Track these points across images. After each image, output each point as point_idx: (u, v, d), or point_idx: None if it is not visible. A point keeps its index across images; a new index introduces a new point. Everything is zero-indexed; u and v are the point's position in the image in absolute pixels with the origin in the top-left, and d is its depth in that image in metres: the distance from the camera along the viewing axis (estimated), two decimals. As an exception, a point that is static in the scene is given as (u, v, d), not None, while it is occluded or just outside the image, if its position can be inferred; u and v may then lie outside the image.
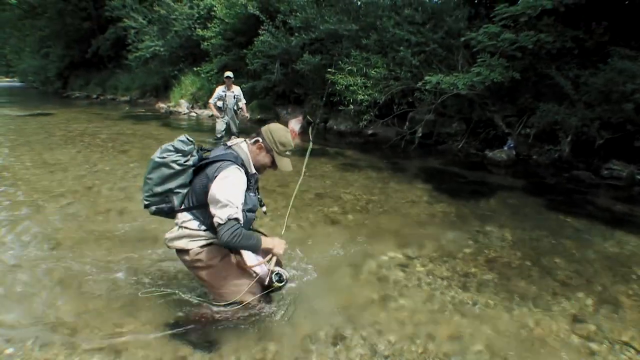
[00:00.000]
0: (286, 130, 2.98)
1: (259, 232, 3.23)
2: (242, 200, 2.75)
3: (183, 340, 2.99)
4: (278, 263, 3.09)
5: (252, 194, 2.92)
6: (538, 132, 8.73)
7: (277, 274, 2.99)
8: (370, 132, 11.72)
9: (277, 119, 14.81)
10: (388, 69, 10.03)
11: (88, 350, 2.91)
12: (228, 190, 2.67)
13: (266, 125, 3.01)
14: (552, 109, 8.02)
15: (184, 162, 2.86)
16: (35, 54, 38.64)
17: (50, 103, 23.58)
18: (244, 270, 3.00)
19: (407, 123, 10.68)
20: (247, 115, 10.32)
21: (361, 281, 3.91)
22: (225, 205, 2.64)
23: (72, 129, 12.37)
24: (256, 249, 2.89)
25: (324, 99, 12.25)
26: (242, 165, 2.83)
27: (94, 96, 28.17)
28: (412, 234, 5.01)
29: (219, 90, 9.73)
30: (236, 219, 2.66)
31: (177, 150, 2.87)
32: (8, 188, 6.45)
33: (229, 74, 9.66)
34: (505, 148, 9.05)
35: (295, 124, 12.45)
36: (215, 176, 2.71)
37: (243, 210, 2.78)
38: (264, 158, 2.94)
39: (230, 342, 2.98)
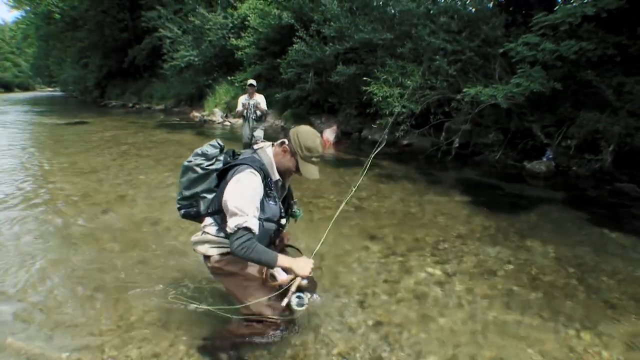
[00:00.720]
0: (315, 135, 2.75)
1: (291, 246, 3.17)
2: (256, 207, 2.61)
3: (214, 358, 2.96)
4: (308, 285, 2.86)
5: (271, 202, 2.74)
6: (579, 143, 8.45)
7: (297, 296, 2.74)
8: (405, 142, 11.56)
9: (311, 128, 14.81)
10: (424, 78, 9.90)
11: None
12: (237, 197, 2.54)
13: (295, 127, 2.83)
14: (594, 117, 7.75)
15: (207, 165, 2.84)
16: (75, 65, 40.00)
17: (88, 112, 24.24)
18: (266, 283, 2.86)
19: (443, 133, 10.49)
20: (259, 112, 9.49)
21: (398, 298, 3.81)
22: (235, 214, 2.52)
23: (108, 137, 12.65)
24: (270, 266, 2.70)
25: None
26: (261, 169, 2.65)
27: (130, 105, 28.81)
28: (450, 249, 4.88)
29: (242, 99, 9.49)
30: (246, 229, 2.51)
31: (202, 154, 2.86)
32: (44, 196, 6.63)
33: (251, 81, 9.35)
34: (544, 159, 8.80)
35: (329, 134, 12.40)
36: (229, 181, 2.63)
37: (260, 219, 2.65)
38: (288, 162, 2.75)
39: (263, 361, 2.91)
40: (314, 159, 2.71)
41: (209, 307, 3.01)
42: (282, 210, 2.85)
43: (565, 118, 8.68)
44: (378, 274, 4.27)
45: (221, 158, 2.88)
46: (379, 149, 3.55)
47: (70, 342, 3.16)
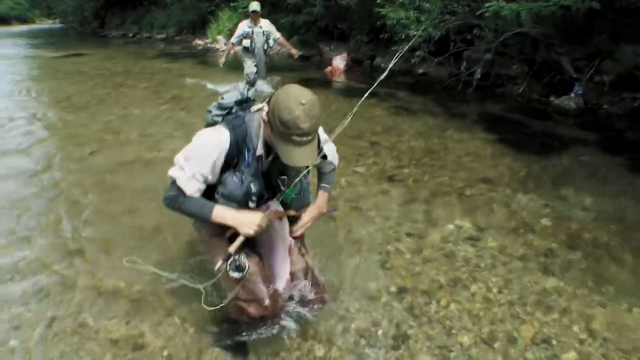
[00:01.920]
0: (297, 101, 1.80)
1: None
2: (207, 169, 2.05)
3: (210, 339, 2.56)
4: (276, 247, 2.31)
5: (234, 178, 2.09)
6: (614, 78, 7.70)
7: (233, 261, 2.16)
8: (420, 71, 10.81)
9: (320, 55, 14.01)
10: (444, 2, 9.00)
11: (102, 340, 2.56)
12: (185, 149, 2.09)
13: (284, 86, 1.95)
14: (636, 50, 6.98)
15: (214, 115, 2.21)
16: (72, -6, 38.03)
17: (87, 43, 23.26)
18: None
19: (464, 62, 9.72)
20: (294, 51, 8.70)
21: (424, 258, 3.38)
22: (174, 165, 2.10)
23: (105, 69, 11.97)
24: (204, 221, 2.16)
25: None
26: (235, 130, 2.05)
27: (130, 35, 27.69)
28: (479, 197, 4.40)
29: (243, 26, 7.88)
30: (176, 186, 2.07)
31: (218, 103, 2.24)
32: (29, 136, 6.16)
33: (255, 6, 7.76)
34: (572, 95, 8.07)
35: (340, 62, 11.77)
36: None
37: (218, 193, 2.16)
38: (270, 136, 2.00)
39: (267, 343, 2.48)
40: (295, 138, 1.83)
41: (184, 281, 2.42)
42: (254, 194, 2.14)
43: (599, 51, 7.87)
44: (400, 225, 3.84)
45: (234, 110, 2.21)
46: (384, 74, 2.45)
47: (46, 309, 2.80)
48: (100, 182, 4.66)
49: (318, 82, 10.00)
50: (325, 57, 13.55)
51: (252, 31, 7.83)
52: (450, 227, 3.82)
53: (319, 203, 2.50)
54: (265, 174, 2.20)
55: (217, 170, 2.09)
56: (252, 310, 2.28)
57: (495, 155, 5.55)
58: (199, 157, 2.05)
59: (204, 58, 14.58)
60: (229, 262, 2.16)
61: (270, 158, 2.16)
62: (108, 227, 3.80)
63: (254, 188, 2.13)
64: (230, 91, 2.28)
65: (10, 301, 2.90)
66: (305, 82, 9.59)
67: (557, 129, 6.86)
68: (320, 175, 2.57)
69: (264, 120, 2.00)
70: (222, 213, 2.12)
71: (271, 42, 8.10)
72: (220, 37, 18.17)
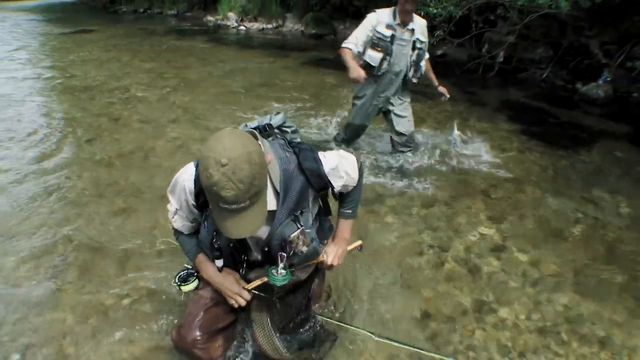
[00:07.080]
0: (219, 162, 1.34)
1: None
2: (181, 206, 1.82)
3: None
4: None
5: (205, 222, 1.78)
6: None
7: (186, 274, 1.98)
8: (439, 52, 10.33)
9: (334, 34, 13.52)
10: (466, -19, 8.52)
11: None
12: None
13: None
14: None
15: None
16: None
17: (96, 19, 22.68)
18: None
19: (486, 45, 9.24)
20: (444, 89, 4.89)
21: (447, 274, 3.10)
22: None
23: (111, 46, 11.57)
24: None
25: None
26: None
27: (141, 10, 27.03)
28: (505, 198, 4.10)
29: (378, 19, 3.95)
30: (174, 225, 1.93)
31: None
32: (21, 118, 5.84)
33: None
34: (600, 82, 7.62)
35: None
36: None
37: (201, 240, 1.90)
38: None
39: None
40: (222, 205, 1.42)
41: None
42: (218, 249, 1.78)
43: (631, 35, 7.41)
44: (420, 233, 3.54)
45: None
46: None
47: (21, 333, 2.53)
48: (95, 177, 4.33)
49: (331, 63, 9.50)
50: (340, 36, 13.04)
51: (394, 36, 3.97)
52: (475, 236, 3.53)
53: (343, 235, 2.07)
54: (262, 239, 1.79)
55: (194, 209, 1.80)
56: (173, 334, 2.08)
57: (521, 149, 5.22)
58: (174, 192, 1.82)
59: (215, 35, 14.10)
60: (180, 273, 1.99)
61: None
62: (99, 232, 3.49)
63: (218, 241, 1.75)
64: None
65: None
66: (318, 63, 9.24)
67: (584, 119, 6.46)
68: (341, 195, 2.05)
69: None
70: (202, 266, 1.93)
71: (423, 64, 4.29)
72: (231, 14, 17.64)
